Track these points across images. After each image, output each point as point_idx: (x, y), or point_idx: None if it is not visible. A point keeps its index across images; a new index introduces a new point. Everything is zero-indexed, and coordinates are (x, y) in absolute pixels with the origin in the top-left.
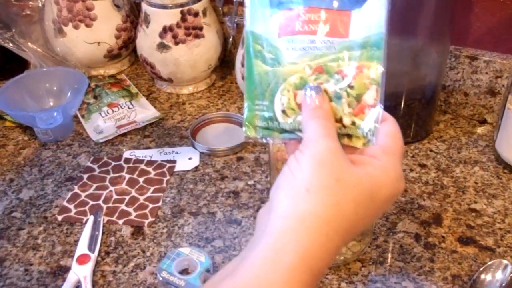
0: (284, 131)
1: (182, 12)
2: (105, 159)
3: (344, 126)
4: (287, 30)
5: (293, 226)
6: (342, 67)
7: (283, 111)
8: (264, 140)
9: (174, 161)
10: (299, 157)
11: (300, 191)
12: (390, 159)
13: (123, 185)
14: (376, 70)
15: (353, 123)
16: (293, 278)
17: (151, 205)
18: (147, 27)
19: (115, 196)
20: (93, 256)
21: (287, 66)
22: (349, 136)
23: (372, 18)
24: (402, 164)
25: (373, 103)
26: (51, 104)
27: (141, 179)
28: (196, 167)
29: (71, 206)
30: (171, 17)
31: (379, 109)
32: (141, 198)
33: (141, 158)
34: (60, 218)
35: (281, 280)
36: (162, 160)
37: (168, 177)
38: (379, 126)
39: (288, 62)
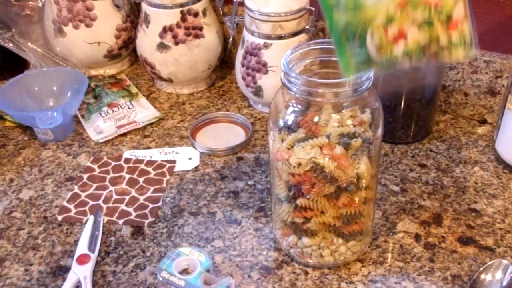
0: (381, 65)
1: (182, 12)
2: (105, 159)
3: (442, 46)
4: None
5: None
6: None
7: (378, 49)
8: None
9: (174, 161)
10: None
11: None
12: None
13: (123, 185)
14: None
15: (449, 39)
16: None
17: (151, 205)
18: (147, 27)
19: (115, 196)
20: (93, 256)
21: (369, 8)
22: (449, 49)
23: None
24: (402, 164)
25: (463, 15)
26: (51, 104)
27: (141, 179)
28: (196, 167)
29: (71, 206)
30: (171, 17)
31: (469, 20)
32: (141, 198)
33: (141, 158)
34: (60, 218)
35: None
36: (162, 160)
37: (168, 177)
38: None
39: (370, 5)
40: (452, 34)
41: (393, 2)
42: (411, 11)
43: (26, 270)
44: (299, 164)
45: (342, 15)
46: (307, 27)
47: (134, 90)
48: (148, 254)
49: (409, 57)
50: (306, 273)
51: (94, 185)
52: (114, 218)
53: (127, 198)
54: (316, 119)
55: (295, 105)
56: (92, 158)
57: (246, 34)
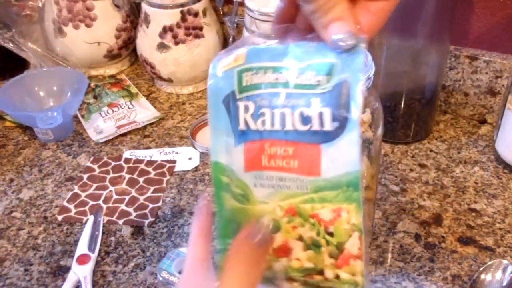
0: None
1: (182, 12)
2: (105, 159)
3: (327, 279)
4: (253, 164)
5: None
6: (317, 210)
7: None
8: None
9: (174, 161)
10: None
11: None
12: None
13: (123, 185)
14: (357, 214)
15: (337, 277)
16: None
17: (151, 205)
18: (147, 27)
19: (115, 196)
20: (93, 256)
21: (256, 205)
22: None
23: (344, 155)
24: (402, 164)
25: (358, 253)
26: (51, 104)
27: (141, 179)
28: (196, 167)
29: (71, 206)
30: (171, 17)
31: (363, 261)
32: (141, 198)
33: (141, 158)
34: (60, 218)
35: None
36: (162, 160)
37: (168, 177)
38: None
39: (258, 201)
40: (340, 272)
41: (282, 207)
42: (298, 223)
43: (26, 270)
44: None
45: (230, 201)
46: None
47: (134, 90)
48: (148, 254)
49: (288, 277)
50: None
51: (94, 185)
52: (114, 218)
53: (127, 198)
54: None
55: None
56: (92, 158)
57: (246, 34)
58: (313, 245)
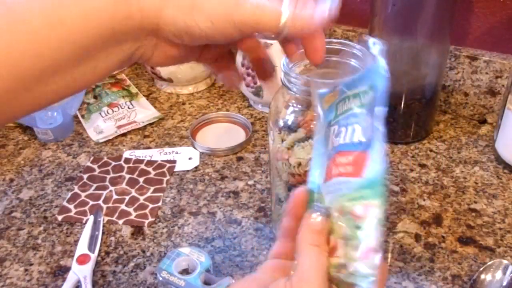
0: None
1: None
2: (105, 159)
3: (351, 274)
4: (328, 175)
5: None
6: (354, 207)
7: None
8: None
9: (174, 161)
10: None
11: None
12: None
13: (123, 185)
14: (380, 209)
15: (356, 269)
16: None
17: (151, 205)
18: None
19: (115, 196)
20: (93, 256)
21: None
22: (351, 285)
23: (377, 157)
24: (402, 164)
25: (375, 244)
26: None
27: (141, 179)
28: (196, 167)
29: (71, 206)
30: None
31: (380, 254)
32: (141, 198)
33: (141, 158)
34: (60, 218)
35: None
36: (162, 160)
37: (168, 177)
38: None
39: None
40: (359, 265)
41: (336, 208)
42: (344, 221)
43: (26, 270)
44: (299, 164)
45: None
46: None
47: (134, 90)
48: (148, 254)
49: (330, 277)
50: None
51: (94, 185)
52: (114, 218)
53: (127, 198)
54: None
55: (295, 105)
56: (92, 158)
57: None
58: (349, 241)
